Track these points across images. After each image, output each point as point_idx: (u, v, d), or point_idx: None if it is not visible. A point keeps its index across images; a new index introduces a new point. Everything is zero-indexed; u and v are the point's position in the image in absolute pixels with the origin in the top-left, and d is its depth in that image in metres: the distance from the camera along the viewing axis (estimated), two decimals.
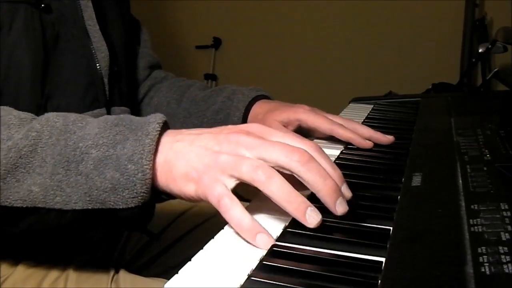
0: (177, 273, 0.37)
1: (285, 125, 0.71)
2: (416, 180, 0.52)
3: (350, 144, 0.68)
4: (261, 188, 0.42)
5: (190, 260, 0.38)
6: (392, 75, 2.46)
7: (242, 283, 0.35)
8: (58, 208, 0.45)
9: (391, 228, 0.42)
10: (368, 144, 0.67)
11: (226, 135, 0.45)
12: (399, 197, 0.49)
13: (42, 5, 0.62)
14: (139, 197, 0.44)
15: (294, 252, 0.39)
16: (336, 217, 0.46)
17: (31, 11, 0.60)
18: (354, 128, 0.69)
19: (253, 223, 0.41)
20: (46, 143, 0.45)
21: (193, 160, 0.44)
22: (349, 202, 0.49)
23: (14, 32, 0.59)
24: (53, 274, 0.63)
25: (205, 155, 0.44)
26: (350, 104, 1.01)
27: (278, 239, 0.42)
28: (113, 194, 0.44)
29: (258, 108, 0.75)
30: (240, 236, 0.42)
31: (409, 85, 2.24)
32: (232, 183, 0.43)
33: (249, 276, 0.36)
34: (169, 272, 0.70)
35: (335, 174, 0.46)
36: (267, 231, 0.41)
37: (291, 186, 0.42)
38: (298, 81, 2.70)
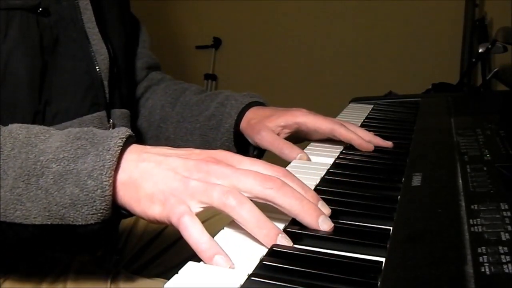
0: (177, 273, 0.37)
1: (283, 129, 0.70)
2: (416, 180, 0.52)
3: (350, 146, 0.68)
4: (231, 214, 0.41)
5: (190, 260, 0.39)
6: (392, 75, 2.46)
7: (242, 283, 0.35)
8: (19, 222, 0.44)
9: (391, 228, 0.42)
10: (369, 147, 0.67)
11: (196, 163, 0.44)
12: (399, 197, 0.49)
13: (40, 9, 0.60)
14: (98, 214, 0.43)
15: (294, 252, 0.39)
16: (336, 217, 0.46)
17: (27, 17, 0.59)
18: (355, 130, 0.69)
19: (211, 243, 0.39)
20: (8, 155, 0.44)
21: (160, 183, 0.43)
22: (349, 202, 0.49)
23: (9, 40, 0.58)
24: (53, 274, 0.63)
25: (174, 179, 0.43)
26: (350, 104, 1.01)
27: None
28: (72, 210, 0.43)
29: (252, 114, 0.74)
30: (240, 236, 0.42)
31: (409, 85, 2.24)
32: (198, 208, 0.42)
33: (249, 276, 0.36)
34: (169, 272, 0.71)
35: (309, 194, 0.45)
36: (225, 252, 0.39)
37: (262, 213, 0.41)
38: (298, 81, 2.70)
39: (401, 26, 2.44)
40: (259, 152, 0.76)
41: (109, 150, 0.44)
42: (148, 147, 0.47)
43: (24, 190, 0.43)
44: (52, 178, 0.43)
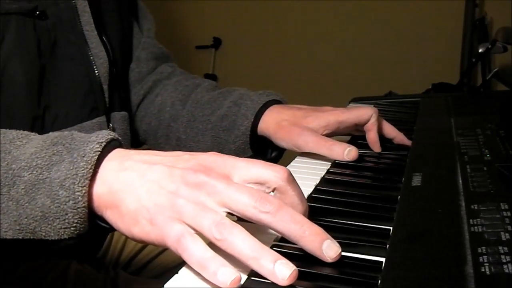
0: (177, 273, 0.37)
1: (324, 130, 0.66)
2: (416, 180, 0.52)
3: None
4: (222, 247, 0.36)
5: None
6: (392, 75, 2.46)
7: (242, 283, 0.35)
8: None
9: (391, 228, 0.42)
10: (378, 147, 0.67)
11: (183, 172, 0.39)
12: (399, 197, 0.49)
13: (37, 13, 0.59)
14: (71, 228, 0.39)
15: (294, 252, 0.39)
16: (336, 217, 0.46)
17: (23, 21, 0.58)
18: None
19: (216, 257, 0.36)
20: None
21: (144, 198, 0.39)
22: (349, 202, 0.49)
23: (6, 44, 0.56)
24: (52, 275, 0.63)
25: (158, 194, 0.38)
26: (350, 104, 1.00)
27: (280, 239, 0.42)
28: (43, 223, 0.39)
29: (277, 115, 0.69)
30: None
31: (409, 85, 2.24)
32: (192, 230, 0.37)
33: (249, 276, 0.36)
34: (168, 272, 0.70)
35: (302, 210, 0.40)
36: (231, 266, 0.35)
37: (255, 240, 0.36)
38: (298, 81, 2.70)
39: (401, 26, 2.44)
40: (277, 154, 0.73)
41: (83, 157, 0.39)
42: (132, 153, 0.42)
43: None
44: (23, 188, 0.39)
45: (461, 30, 2.22)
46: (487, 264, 0.35)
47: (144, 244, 0.40)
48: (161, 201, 0.38)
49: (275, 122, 0.68)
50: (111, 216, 0.40)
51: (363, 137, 0.68)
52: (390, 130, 0.69)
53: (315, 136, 0.64)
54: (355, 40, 2.56)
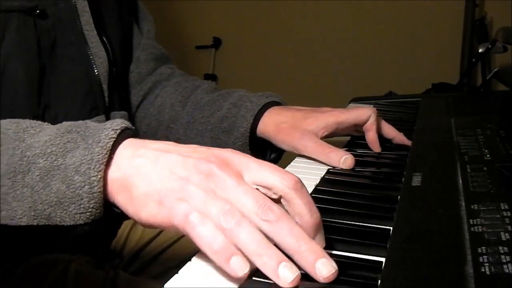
0: (177, 273, 0.37)
1: (324, 132, 0.66)
2: (416, 180, 0.52)
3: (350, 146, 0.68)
4: (228, 237, 0.35)
5: (190, 260, 0.38)
6: (392, 75, 2.46)
7: (242, 283, 0.35)
8: (4, 223, 0.41)
9: (391, 228, 0.42)
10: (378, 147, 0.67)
11: (196, 162, 0.39)
12: (399, 197, 0.49)
13: (37, 11, 0.59)
14: (87, 213, 0.40)
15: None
16: (336, 217, 0.46)
17: (24, 19, 0.58)
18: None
19: (226, 243, 0.35)
20: None
21: (156, 182, 0.39)
22: (349, 202, 0.49)
23: (6, 43, 0.57)
24: (52, 275, 0.63)
25: (170, 179, 0.39)
26: (350, 104, 1.00)
27: None
28: (59, 208, 0.40)
29: (277, 116, 0.69)
30: None
31: (409, 85, 2.24)
32: None
33: (249, 276, 0.36)
34: (169, 272, 0.70)
35: (311, 221, 0.38)
36: (242, 253, 0.35)
37: (262, 236, 0.36)
38: (298, 81, 2.70)
39: (401, 26, 2.44)
40: (277, 155, 0.73)
41: (99, 143, 0.40)
42: (147, 142, 0.43)
43: (10, 188, 0.40)
44: (38, 175, 0.40)
45: (461, 30, 2.22)
46: (487, 264, 0.35)
47: (152, 228, 0.40)
48: (172, 185, 0.38)
49: (275, 124, 0.68)
50: (122, 200, 0.40)
51: (363, 137, 0.68)
52: (390, 131, 0.69)
53: (314, 142, 0.64)
54: (355, 40, 2.56)
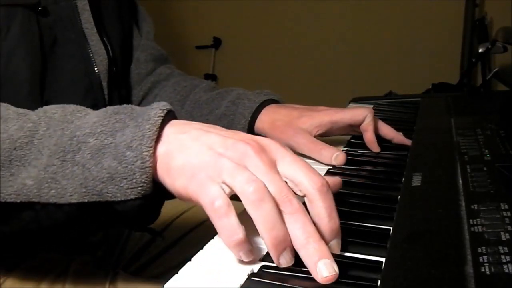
0: (177, 273, 0.37)
1: (318, 130, 0.67)
2: (416, 180, 0.52)
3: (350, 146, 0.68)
4: (246, 206, 0.37)
5: (190, 260, 0.38)
6: (392, 75, 2.47)
7: (242, 283, 0.35)
8: (53, 202, 0.42)
9: (391, 228, 0.42)
10: (377, 147, 0.67)
11: (235, 142, 0.41)
12: (399, 197, 0.49)
13: (39, 8, 0.60)
14: (138, 188, 0.40)
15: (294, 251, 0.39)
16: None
17: (28, 15, 0.59)
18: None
19: (245, 239, 0.37)
20: (43, 134, 0.43)
21: (193, 156, 0.40)
22: (349, 202, 0.49)
23: (11, 37, 0.57)
24: (52, 274, 0.63)
25: (206, 154, 0.40)
26: (350, 104, 1.00)
27: None
28: (110, 184, 0.40)
29: (273, 114, 0.70)
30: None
31: (409, 85, 2.24)
32: (228, 189, 0.38)
33: (249, 276, 0.36)
34: (169, 272, 0.70)
35: (328, 226, 0.39)
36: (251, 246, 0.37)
37: (280, 218, 0.37)
38: (298, 81, 2.70)
39: (401, 26, 2.44)
40: None
41: (149, 120, 0.41)
42: (192, 122, 0.45)
43: (59, 167, 0.41)
44: (89, 153, 0.41)
45: (461, 30, 2.23)
46: (487, 264, 0.35)
47: (184, 200, 0.41)
48: (207, 159, 0.40)
49: (270, 122, 0.70)
50: (161, 172, 0.41)
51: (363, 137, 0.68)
52: (388, 131, 0.69)
53: (307, 140, 0.65)
54: (355, 40, 2.56)
